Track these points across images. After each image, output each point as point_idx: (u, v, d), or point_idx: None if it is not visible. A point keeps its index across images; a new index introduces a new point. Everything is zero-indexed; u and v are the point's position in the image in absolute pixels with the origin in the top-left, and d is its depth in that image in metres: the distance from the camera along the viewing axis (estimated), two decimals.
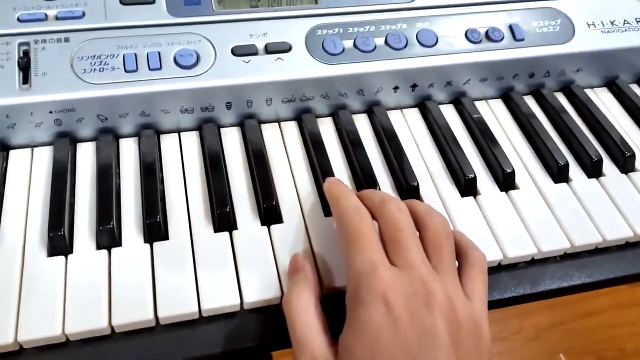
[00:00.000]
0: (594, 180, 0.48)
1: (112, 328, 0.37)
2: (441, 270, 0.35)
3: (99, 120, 0.46)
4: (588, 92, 0.56)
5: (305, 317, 0.35)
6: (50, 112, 0.44)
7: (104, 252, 0.40)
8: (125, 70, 0.45)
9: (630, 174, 0.49)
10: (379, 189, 0.45)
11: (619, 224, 0.45)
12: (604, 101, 0.56)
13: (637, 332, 1.27)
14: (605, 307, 1.30)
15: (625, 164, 0.49)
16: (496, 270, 0.43)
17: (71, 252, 0.40)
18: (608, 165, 0.50)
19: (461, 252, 0.38)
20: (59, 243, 0.40)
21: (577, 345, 1.25)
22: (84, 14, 0.47)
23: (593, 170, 0.49)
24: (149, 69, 0.46)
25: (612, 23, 0.55)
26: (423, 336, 0.32)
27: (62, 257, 0.39)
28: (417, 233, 0.37)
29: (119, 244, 0.41)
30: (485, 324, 0.35)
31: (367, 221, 0.37)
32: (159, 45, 0.47)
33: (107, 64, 0.45)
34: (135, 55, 0.46)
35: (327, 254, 0.41)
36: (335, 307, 0.37)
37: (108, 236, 0.40)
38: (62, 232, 0.40)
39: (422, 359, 0.31)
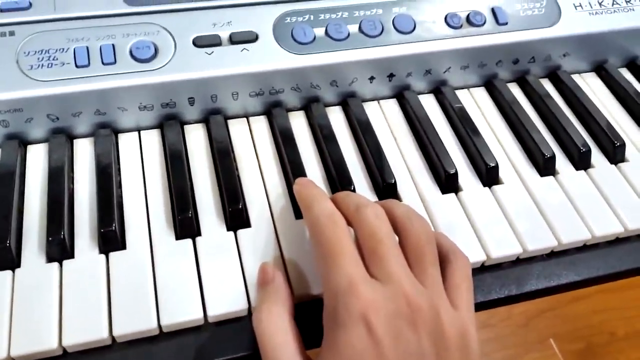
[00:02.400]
0: (582, 172, 0.46)
1: (63, 349, 0.34)
2: (425, 280, 0.33)
3: (49, 120, 0.42)
4: (575, 77, 0.54)
5: (278, 337, 0.32)
6: None
7: (55, 265, 0.37)
8: (77, 66, 0.42)
9: (621, 164, 0.47)
10: (354, 188, 0.42)
11: (608, 218, 0.43)
12: (592, 87, 0.54)
13: (626, 316, 1.26)
14: (594, 292, 1.29)
15: (615, 154, 0.47)
16: (479, 270, 0.41)
17: (18, 265, 0.37)
18: (597, 156, 0.47)
19: (443, 257, 0.35)
20: (4, 256, 0.36)
21: (566, 331, 1.24)
22: (30, 4, 0.44)
23: (581, 161, 0.46)
24: (103, 63, 0.42)
25: (600, 4, 0.52)
26: (409, 358, 0.29)
27: (9, 272, 0.36)
28: (397, 240, 0.34)
29: (70, 255, 0.38)
30: (473, 334, 0.33)
31: (342, 230, 0.34)
32: (113, 37, 0.43)
33: (57, 59, 0.42)
34: (87, 48, 0.43)
35: (299, 259, 0.38)
36: (309, 316, 0.35)
37: (58, 247, 0.37)
38: (7, 244, 0.36)
39: None
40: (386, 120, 0.49)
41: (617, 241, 0.43)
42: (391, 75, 0.49)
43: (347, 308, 0.30)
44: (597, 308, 1.27)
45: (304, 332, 0.34)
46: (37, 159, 0.43)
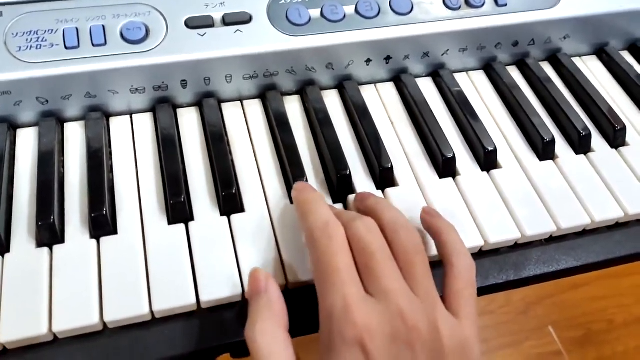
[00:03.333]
0: (582, 156, 0.45)
1: (54, 335, 0.34)
2: (418, 291, 0.32)
3: (39, 103, 0.42)
4: (576, 60, 0.53)
5: (273, 356, 0.31)
6: None
7: (45, 249, 0.36)
8: (66, 47, 0.41)
9: (621, 148, 0.46)
10: (350, 173, 0.41)
11: (608, 203, 0.42)
12: (593, 70, 0.53)
13: (625, 303, 1.26)
14: (593, 279, 1.29)
15: (615, 138, 0.46)
16: (477, 256, 0.40)
17: (8, 250, 0.36)
18: (597, 140, 0.47)
19: (446, 259, 0.35)
20: None
21: (565, 318, 1.24)
22: None
23: (581, 145, 0.45)
24: (93, 45, 0.41)
25: None
26: None
27: None
28: (390, 252, 0.33)
29: (61, 240, 0.37)
30: (473, 342, 0.32)
31: (337, 245, 0.32)
32: (103, 19, 0.42)
33: (45, 41, 0.41)
34: (77, 29, 0.42)
35: (293, 245, 0.38)
36: (304, 302, 0.35)
37: (48, 232, 0.36)
38: None
39: None
40: (383, 103, 0.48)
41: (616, 226, 0.43)
42: (388, 58, 0.48)
43: (342, 334, 0.29)
44: (596, 296, 1.27)
45: (299, 318, 0.34)
46: (26, 142, 0.42)
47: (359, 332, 0.29)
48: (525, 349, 1.20)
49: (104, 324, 0.34)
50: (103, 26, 0.42)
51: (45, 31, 0.41)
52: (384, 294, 0.31)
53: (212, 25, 0.44)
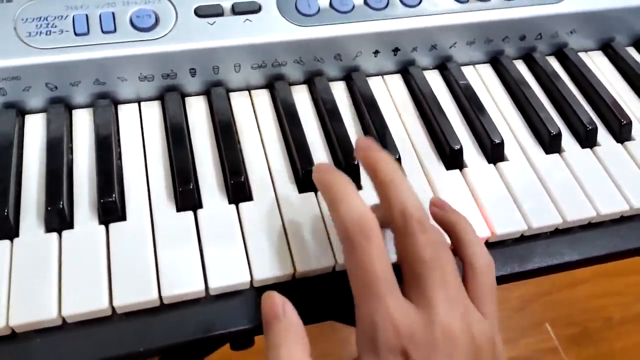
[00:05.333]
0: (588, 150, 0.45)
1: (63, 319, 0.34)
2: (456, 297, 0.32)
3: (48, 89, 0.42)
4: (582, 55, 0.53)
5: None
6: None
7: (54, 234, 0.36)
8: (75, 34, 0.41)
9: (627, 143, 0.46)
10: (358, 163, 0.41)
11: (614, 197, 0.42)
12: (599, 65, 0.53)
13: (622, 301, 1.27)
14: (591, 277, 1.30)
15: (621, 133, 0.46)
16: None
17: (17, 235, 0.36)
18: (603, 134, 0.47)
19: (466, 260, 0.34)
20: (3, 225, 0.36)
21: (563, 316, 1.25)
22: None
23: (587, 139, 0.46)
24: (102, 31, 0.41)
25: None
26: None
27: (7, 241, 0.36)
28: (441, 263, 0.32)
29: (70, 225, 0.37)
30: (500, 341, 0.32)
31: (375, 249, 0.30)
32: (113, 5, 0.42)
33: (55, 27, 0.41)
34: (87, 16, 0.42)
35: (302, 234, 0.38)
36: (309, 290, 0.34)
37: (57, 217, 0.36)
38: (5, 213, 0.36)
39: None
40: (390, 95, 0.48)
41: (621, 220, 0.43)
42: (396, 50, 0.48)
43: (387, 343, 0.29)
44: (594, 293, 1.28)
45: (306, 308, 0.34)
46: (35, 128, 0.42)
47: (404, 342, 0.29)
48: (521, 345, 1.21)
49: (113, 309, 0.35)
50: (113, 13, 0.42)
51: (55, 17, 0.41)
52: (426, 304, 0.30)
53: (221, 14, 0.44)
